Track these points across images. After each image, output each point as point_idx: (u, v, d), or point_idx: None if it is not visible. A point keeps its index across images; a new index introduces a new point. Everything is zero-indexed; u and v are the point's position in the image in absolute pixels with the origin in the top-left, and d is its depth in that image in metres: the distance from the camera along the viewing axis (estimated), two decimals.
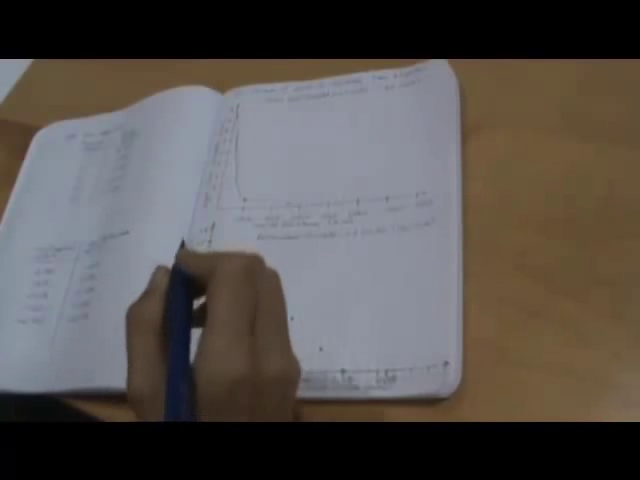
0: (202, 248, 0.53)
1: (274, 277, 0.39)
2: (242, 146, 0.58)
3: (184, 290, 0.38)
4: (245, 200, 0.55)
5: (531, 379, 0.43)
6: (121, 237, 0.55)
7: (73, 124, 0.66)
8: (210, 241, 0.53)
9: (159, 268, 0.39)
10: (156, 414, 0.35)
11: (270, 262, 0.51)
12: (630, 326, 0.43)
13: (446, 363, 0.43)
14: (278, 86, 0.60)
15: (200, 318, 0.37)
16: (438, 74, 0.55)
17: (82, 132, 0.65)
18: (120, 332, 0.38)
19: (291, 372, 0.37)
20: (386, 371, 0.44)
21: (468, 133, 0.52)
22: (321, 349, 0.46)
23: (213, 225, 0.54)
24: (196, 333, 0.36)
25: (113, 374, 0.49)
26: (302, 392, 0.45)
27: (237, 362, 0.34)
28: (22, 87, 0.71)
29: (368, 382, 0.45)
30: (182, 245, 0.41)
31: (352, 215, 0.51)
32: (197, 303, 0.39)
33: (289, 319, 0.46)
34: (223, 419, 0.34)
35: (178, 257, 0.39)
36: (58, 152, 0.64)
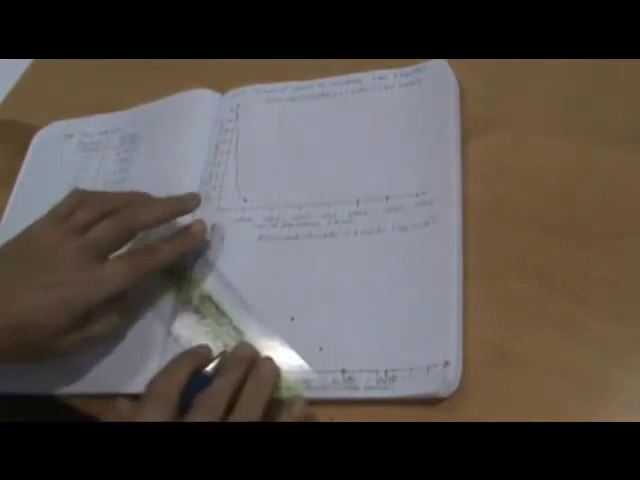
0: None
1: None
2: (242, 146, 0.58)
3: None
4: (245, 200, 0.55)
5: (531, 379, 0.43)
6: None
7: (71, 124, 0.66)
8: (210, 242, 0.53)
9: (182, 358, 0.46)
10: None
11: (271, 262, 0.52)
12: (630, 326, 0.43)
13: (446, 363, 0.43)
14: (278, 86, 0.60)
15: None
16: (438, 74, 0.54)
17: (80, 132, 0.65)
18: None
19: None
20: (386, 371, 0.44)
21: (468, 133, 0.52)
22: (321, 349, 0.46)
23: (213, 226, 0.54)
24: None
25: (109, 375, 0.50)
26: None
27: None
28: (22, 87, 0.71)
29: (368, 382, 0.44)
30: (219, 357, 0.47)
31: (352, 215, 0.51)
32: None
33: (289, 319, 0.48)
34: None
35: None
36: (56, 152, 0.64)
